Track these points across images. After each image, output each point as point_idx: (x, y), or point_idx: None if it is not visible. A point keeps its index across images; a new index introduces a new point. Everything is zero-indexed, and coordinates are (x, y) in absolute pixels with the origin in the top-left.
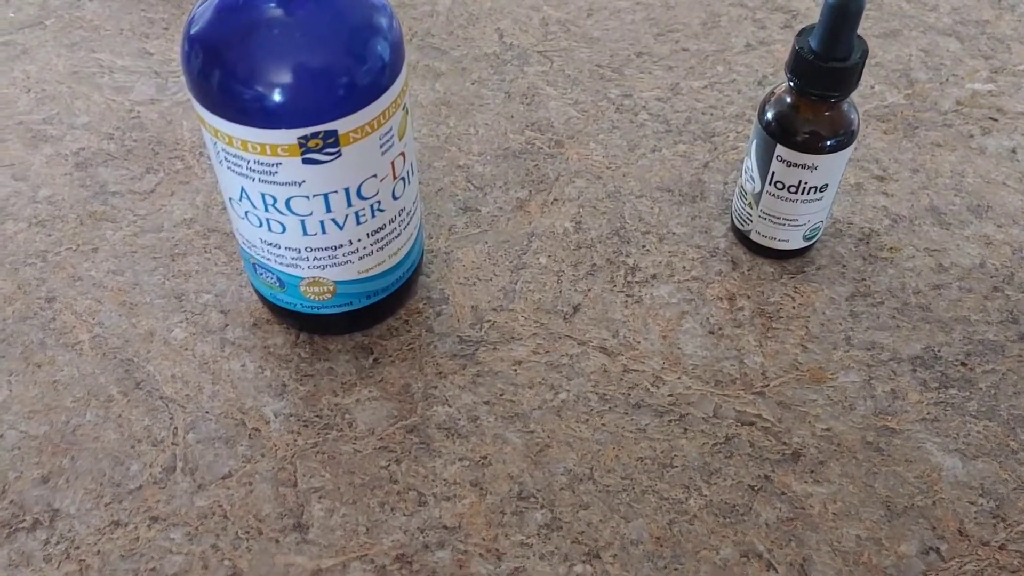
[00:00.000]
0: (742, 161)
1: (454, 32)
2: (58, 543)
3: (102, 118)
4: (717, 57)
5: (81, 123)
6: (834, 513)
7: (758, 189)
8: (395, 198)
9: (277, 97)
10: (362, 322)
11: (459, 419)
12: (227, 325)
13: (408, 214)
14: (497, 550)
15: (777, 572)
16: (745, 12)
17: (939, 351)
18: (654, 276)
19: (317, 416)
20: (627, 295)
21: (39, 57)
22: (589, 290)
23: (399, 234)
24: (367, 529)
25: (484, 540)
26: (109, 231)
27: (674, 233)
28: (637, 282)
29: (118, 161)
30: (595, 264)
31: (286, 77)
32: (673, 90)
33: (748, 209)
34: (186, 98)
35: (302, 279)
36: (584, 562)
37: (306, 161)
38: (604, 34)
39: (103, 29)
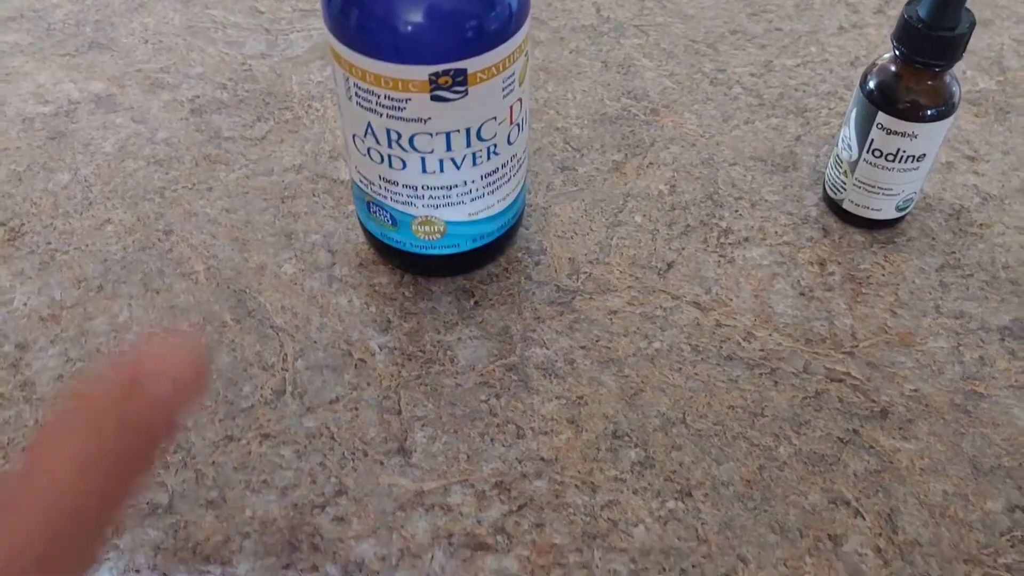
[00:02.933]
0: (834, 136)
1: (552, 4)
2: (175, 452)
3: (216, 70)
4: (810, 38)
5: (196, 73)
6: (921, 468)
7: (855, 157)
8: (510, 143)
9: (412, 34)
10: (465, 265)
11: (556, 361)
12: (335, 264)
13: (519, 161)
14: (592, 483)
15: (865, 519)
16: None
17: None
18: (746, 239)
19: (420, 351)
20: (720, 255)
21: (156, 11)
22: (683, 249)
23: (509, 179)
24: (467, 456)
25: (580, 473)
26: (223, 173)
27: (766, 200)
28: (730, 243)
29: (231, 109)
30: (689, 225)
31: (422, 15)
32: (766, 67)
33: (843, 178)
34: (295, 54)
35: (415, 218)
36: (676, 499)
37: (434, 98)
38: (699, 12)
39: None
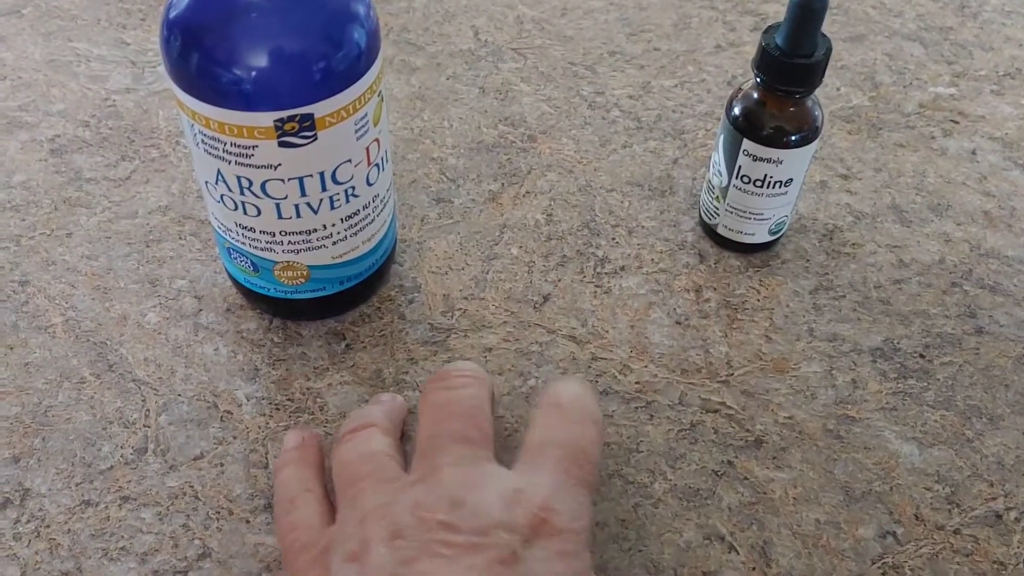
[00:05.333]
0: (710, 157)
1: (430, 28)
2: (28, 522)
3: (78, 106)
4: (688, 57)
5: (57, 110)
6: (794, 498)
7: (725, 183)
8: (369, 184)
9: (254, 80)
10: (335, 308)
11: None
12: (201, 310)
13: (382, 200)
14: None
15: (739, 554)
16: (716, 14)
17: (898, 343)
18: (623, 268)
19: (289, 400)
20: (596, 286)
21: (16, 45)
22: (559, 280)
23: (373, 220)
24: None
25: None
26: (84, 216)
27: (643, 226)
28: (606, 273)
29: (93, 148)
30: (565, 255)
31: (263, 60)
32: (644, 88)
33: (715, 203)
34: (162, 88)
35: (276, 263)
36: None
37: (282, 144)
38: (578, 33)
39: (80, 19)
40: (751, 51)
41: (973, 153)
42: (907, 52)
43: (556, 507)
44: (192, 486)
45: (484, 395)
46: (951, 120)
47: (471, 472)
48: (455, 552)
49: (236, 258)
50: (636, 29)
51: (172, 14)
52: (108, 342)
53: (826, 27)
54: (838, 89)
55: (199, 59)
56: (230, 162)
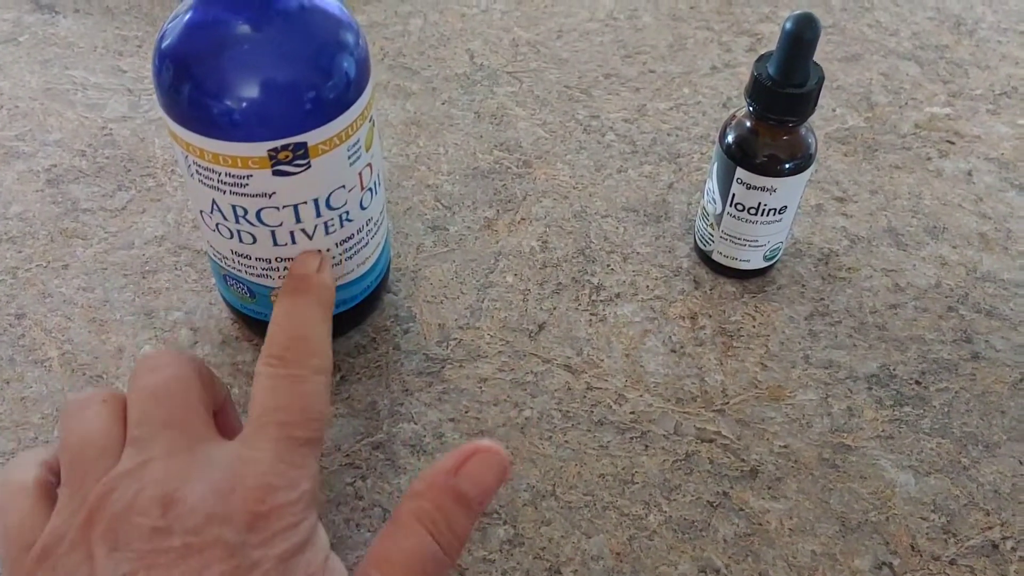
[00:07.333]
0: (705, 182)
1: (425, 52)
2: None
3: (74, 135)
4: (683, 79)
5: (53, 140)
6: (790, 529)
7: (719, 210)
8: (363, 208)
9: (247, 110)
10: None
11: (424, 436)
12: (196, 342)
13: (376, 224)
14: (460, 566)
15: None
16: (711, 35)
17: (894, 369)
18: (618, 295)
19: None
20: (591, 314)
21: (12, 73)
22: (554, 308)
23: (367, 243)
24: (331, 545)
25: None
26: (80, 248)
27: (638, 253)
28: (601, 301)
29: (90, 178)
30: (560, 283)
31: (256, 91)
32: (640, 111)
33: (710, 230)
34: (158, 116)
35: (273, 289)
36: None
37: (276, 173)
38: (573, 55)
39: (77, 46)
40: (747, 72)
41: (969, 174)
42: (903, 71)
43: (274, 482)
44: None
45: (189, 372)
46: (947, 141)
47: (183, 461)
48: (171, 559)
49: (232, 285)
50: (631, 51)
51: (164, 45)
52: (104, 375)
53: (821, 47)
54: (834, 110)
55: (192, 90)
56: (225, 192)
